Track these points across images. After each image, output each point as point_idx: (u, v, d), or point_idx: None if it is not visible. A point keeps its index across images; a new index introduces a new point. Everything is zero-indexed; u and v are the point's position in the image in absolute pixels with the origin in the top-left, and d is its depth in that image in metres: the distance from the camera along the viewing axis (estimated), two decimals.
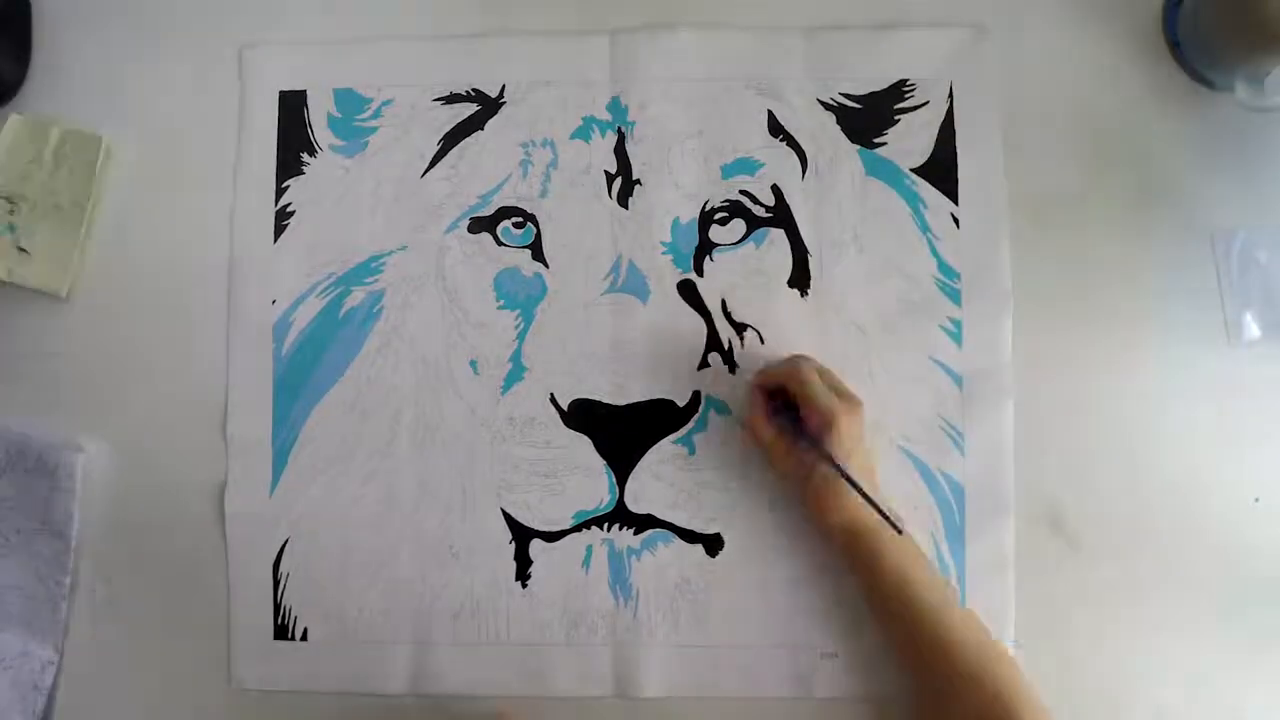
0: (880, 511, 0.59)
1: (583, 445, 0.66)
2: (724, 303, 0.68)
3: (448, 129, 0.69)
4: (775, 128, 0.69)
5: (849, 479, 0.58)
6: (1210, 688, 0.65)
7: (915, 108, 0.69)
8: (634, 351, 0.67)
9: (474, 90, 0.70)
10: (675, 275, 0.68)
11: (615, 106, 0.69)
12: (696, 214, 0.68)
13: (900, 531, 0.59)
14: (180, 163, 0.70)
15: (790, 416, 0.61)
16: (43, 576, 0.67)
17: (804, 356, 0.62)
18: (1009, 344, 0.67)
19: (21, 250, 0.68)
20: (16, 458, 0.67)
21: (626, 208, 0.68)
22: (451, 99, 0.70)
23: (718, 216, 0.68)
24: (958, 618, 0.59)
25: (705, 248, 0.68)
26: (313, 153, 0.70)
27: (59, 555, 0.67)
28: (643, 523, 0.66)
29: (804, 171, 0.68)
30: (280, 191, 0.70)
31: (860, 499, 0.59)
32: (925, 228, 0.68)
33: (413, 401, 0.68)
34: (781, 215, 0.68)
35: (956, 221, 0.68)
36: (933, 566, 0.61)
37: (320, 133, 0.70)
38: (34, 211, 0.69)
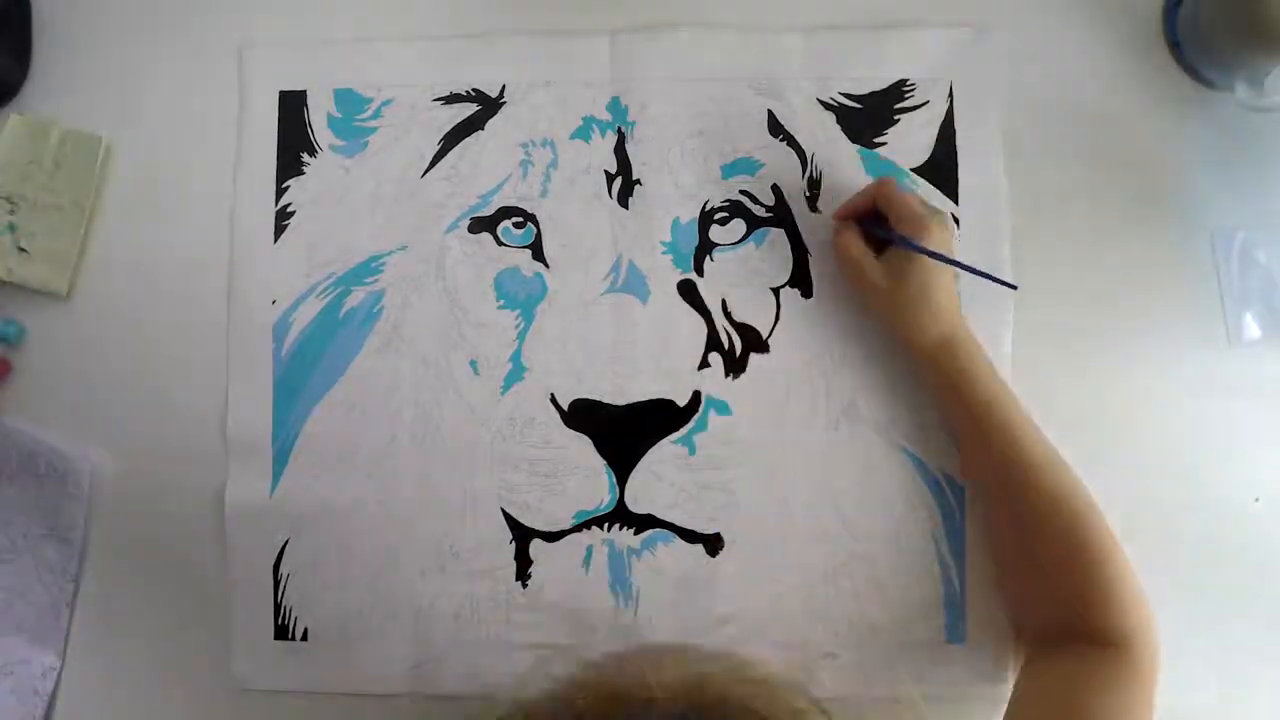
0: (989, 276, 0.60)
1: (583, 445, 0.66)
2: (724, 303, 0.68)
3: (448, 129, 0.69)
4: (775, 128, 0.69)
5: (952, 261, 0.59)
6: (1210, 687, 0.65)
7: (915, 108, 0.69)
8: (634, 351, 0.67)
9: (474, 90, 0.70)
10: (675, 275, 0.68)
11: (615, 106, 0.69)
12: (696, 214, 0.68)
13: (1015, 287, 0.61)
14: (180, 163, 0.70)
15: (881, 234, 0.62)
16: (47, 583, 0.67)
17: (887, 177, 0.63)
18: (1009, 344, 0.67)
19: (22, 250, 0.68)
20: (28, 462, 0.67)
21: (626, 208, 0.68)
22: (451, 99, 0.70)
23: (718, 216, 0.68)
24: (1043, 442, 0.60)
25: (705, 248, 0.68)
26: (313, 153, 0.70)
27: (65, 561, 0.67)
28: (643, 523, 0.66)
29: (804, 171, 0.69)
30: (280, 191, 0.70)
31: (958, 301, 0.61)
32: None
33: (413, 401, 0.68)
34: (782, 215, 0.68)
35: (957, 221, 0.68)
36: (1013, 393, 0.62)
37: (320, 133, 0.70)
38: (34, 211, 0.69)
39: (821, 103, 0.69)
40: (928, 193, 0.68)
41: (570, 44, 0.70)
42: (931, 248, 0.59)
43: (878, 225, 0.62)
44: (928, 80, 0.69)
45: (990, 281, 0.61)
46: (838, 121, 0.69)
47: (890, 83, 0.69)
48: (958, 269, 0.60)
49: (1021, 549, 0.61)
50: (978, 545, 0.66)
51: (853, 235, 0.63)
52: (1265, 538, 0.66)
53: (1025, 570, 0.61)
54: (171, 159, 0.71)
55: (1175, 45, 0.69)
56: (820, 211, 0.68)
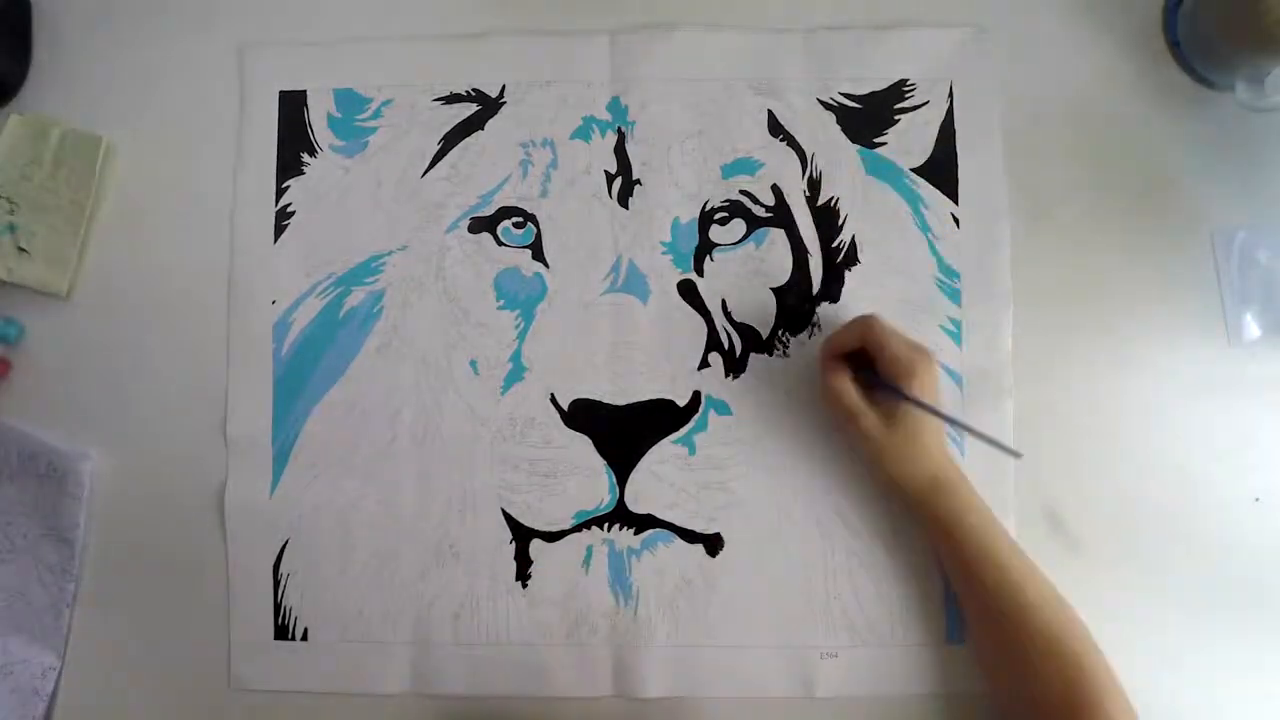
0: (988, 439, 0.59)
1: (583, 445, 0.66)
2: (724, 303, 0.68)
3: (448, 129, 0.69)
4: (775, 128, 0.69)
5: (946, 417, 0.59)
6: (1210, 687, 0.65)
7: (915, 108, 0.69)
8: (634, 351, 0.67)
9: (474, 90, 0.70)
10: (675, 275, 0.68)
11: (615, 106, 0.69)
12: (696, 214, 0.68)
13: (1018, 456, 0.59)
14: (180, 163, 0.70)
15: (866, 375, 0.61)
16: (46, 583, 0.67)
17: (872, 315, 0.61)
18: (1009, 344, 0.67)
19: (22, 250, 0.68)
20: (28, 462, 0.67)
21: (626, 208, 0.68)
22: (451, 99, 0.70)
23: (718, 216, 0.68)
24: (1039, 580, 0.59)
25: (705, 248, 0.68)
26: (313, 153, 0.70)
27: (64, 561, 0.67)
28: (643, 523, 0.66)
29: (804, 171, 0.69)
30: (280, 191, 0.70)
31: (946, 442, 0.60)
32: (925, 228, 0.68)
33: (413, 401, 0.68)
34: (781, 215, 0.68)
35: (956, 221, 0.68)
36: (1006, 532, 0.61)
37: (320, 133, 0.70)
38: (34, 212, 0.69)
39: (821, 103, 0.69)
40: (928, 193, 0.68)
41: (570, 44, 0.70)
42: (918, 389, 0.59)
43: (866, 367, 0.61)
44: (928, 80, 0.69)
45: (992, 445, 0.59)
46: (838, 121, 0.69)
47: (890, 83, 0.69)
48: (958, 428, 0.60)
49: (1017, 685, 0.60)
50: None
51: (844, 380, 0.61)
52: (1265, 538, 0.66)
53: (1022, 703, 0.59)
54: (171, 159, 0.71)
55: (1175, 45, 0.69)
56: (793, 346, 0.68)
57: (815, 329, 0.68)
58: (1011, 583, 0.59)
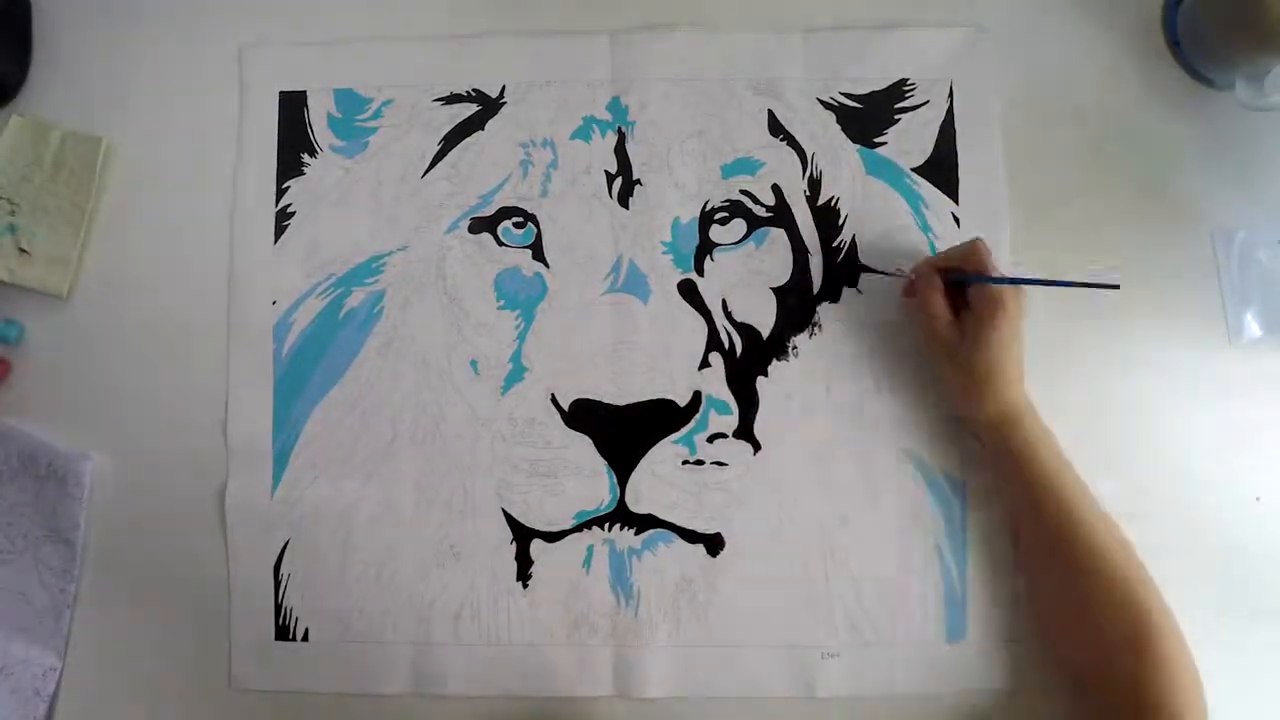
0: (1086, 283, 0.60)
1: (583, 445, 0.66)
2: (724, 303, 0.68)
3: (448, 129, 0.69)
4: (775, 127, 0.69)
5: (1036, 281, 0.60)
6: (1210, 687, 0.65)
7: (915, 107, 0.69)
8: (634, 351, 0.67)
9: (474, 90, 0.70)
10: (675, 275, 0.68)
11: (615, 106, 0.69)
12: (697, 214, 0.68)
13: (1117, 287, 0.59)
14: (180, 163, 0.70)
15: (966, 279, 0.62)
16: (47, 584, 0.67)
17: (979, 239, 0.62)
18: None
19: (23, 251, 0.68)
20: (28, 463, 0.67)
21: (627, 208, 0.68)
22: (451, 99, 0.70)
23: (718, 216, 0.68)
24: (1106, 520, 0.59)
25: (705, 247, 0.68)
26: (313, 153, 0.70)
27: (64, 562, 0.67)
28: (643, 523, 0.66)
29: (804, 171, 0.69)
30: (280, 192, 0.70)
31: (1024, 375, 0.61)
32: (925, 228, 0.68)
33: (413, 402, 0.68)
34: (782, 215, 0.68)
35: (957, 221, 0.68)
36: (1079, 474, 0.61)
37: (320, 133, 0.70)
38: (34, 213, 0.69)
39: (821, 103, 0.69)
40: (928, 193, 0.68)
41: (570, 44, 0.70)
42: (1006, 318, 0.59)
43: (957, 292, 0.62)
44: (928, 80, 0.69)
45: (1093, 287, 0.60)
46: (838, 121, 0.69)
47: (890, 83, 0.69)
48: (1056, 285, 0.61)
49: (1078, 630, 0.60)
50: (978, 545, 0.66)
51: (937, 291, 0.62)
52: (1266, 538, 0.66)
53: (1083, 648, 0.59)
54: (171, 159, 0.71)
55: (1175, 45, 0.69)
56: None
57: (816, 329, 0.67)
58: (1084, 522, 0.58)
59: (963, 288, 0.62)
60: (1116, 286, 0.59)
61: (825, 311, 0.68)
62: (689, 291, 0.67)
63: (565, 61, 0.70)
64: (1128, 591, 0.57)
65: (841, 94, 0.69)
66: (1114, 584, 0.57)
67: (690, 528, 0.66)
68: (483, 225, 0.69)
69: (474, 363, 0.68)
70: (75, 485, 0.67)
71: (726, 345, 0.67)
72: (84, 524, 0.67)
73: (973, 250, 0.61)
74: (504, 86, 0.70)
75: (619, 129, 0.69)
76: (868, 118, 0.69)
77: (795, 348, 0.67)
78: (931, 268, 0.63)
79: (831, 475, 0.66)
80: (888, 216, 0.68)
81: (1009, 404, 0.61)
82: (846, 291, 0.68)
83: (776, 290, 0.68)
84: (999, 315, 0.59)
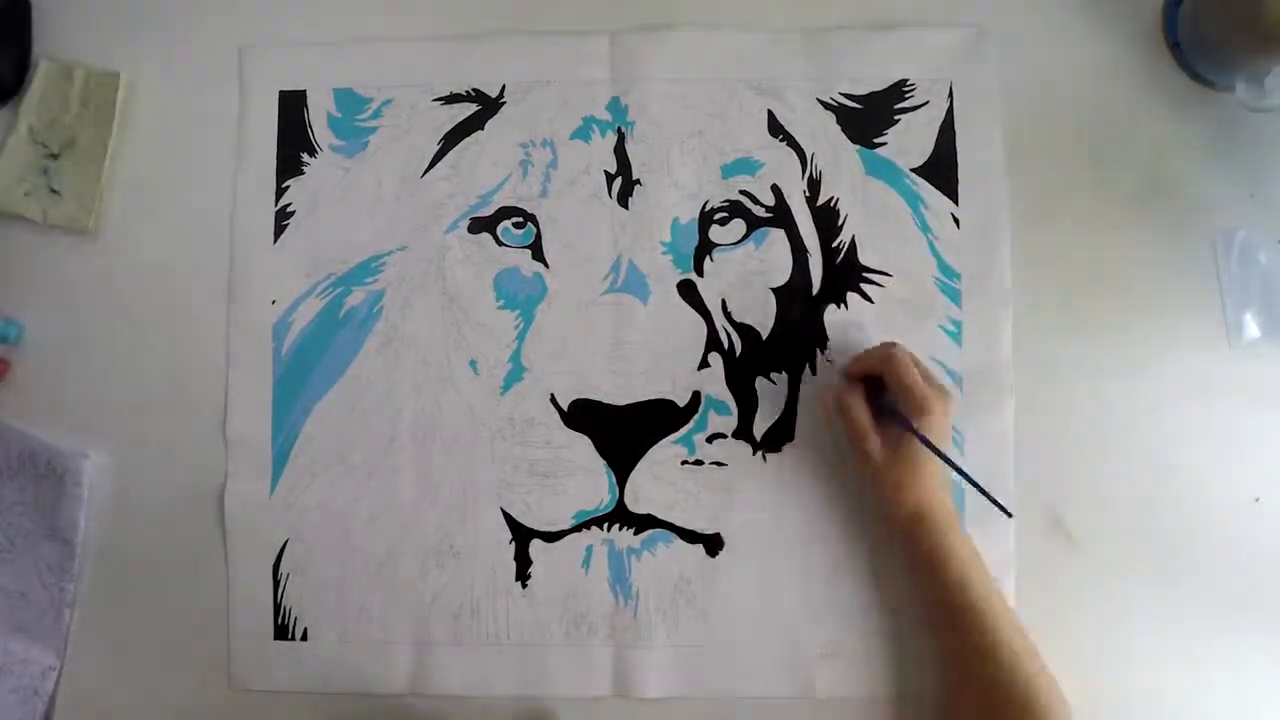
0: (985, 492, 0.59)
1: (583, 445, 0.66)
2: (724, 303, 0.67)
3: (448, 129, 0.69)
4: (775, 128, 0.69)
5: (948, 460, 0.59)
6: (1210, 687, 0.65)
7: (915, 108, 0.69)
8: (634, 351, 0.67)
9: (474, 90, 0.70)
10: (675, 275, 0.68)
11: (615, 106, 0.69)
12: (696, 214, 0.68)
13: (1010, 515, 0.60)
14: (180, 163, 0.70)
15: (880, 401, 0.62)
16: (46, 583, 0.67)
17: (897, 343, 0.62)
18: (1009, 344, 0.67)
19: (54, 192, 0.69)
20: (27, 461, 0.67)
21: (626, 208, 0.68)
22: (451, 99, 0.70)
23: (718, 216, 0.68)
24: (1012, 629, 0.59)
25: (705, 248, 0.68)
26: (313, 153, 0.70)
27: (64, 561, 0.67)
28: (643, 523, 0.66)
29: (804, 171, 0.69)
30: (280, 191, 0.70)
31: (947, 485, 0.61)
32: (925, 228, 0.68)
33: (412, 402, 0.68)
34: (781, 215, 0.68)
35: (956, 221, 0.68)
36: (989, 572, 0.61)
37: (320, 133, 0.70)
38: (64, 152, 0.69)
39: (821, 103, 0.69)
40: (928, 193, 0.68)
41: (570, 44, 0.70)
42: (928, 427, 0.59)
43: (883, 396, 0.62)
44: (928, 80, 0.69)
45: (988, 499, 0.60)
46: (838, 121, 0.69)
47: (890, 83, 0.69)
48: (959, 477, 0.60)
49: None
50: (978, 545, 0.65)
51: (857, 399, 0.62)
52: (1265, 538, 0.66)
53: None
54: (171, 159, 0.70)
55: (1175, 45, 0.69)
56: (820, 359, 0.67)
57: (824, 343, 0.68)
58: (988, 628, 0.58)
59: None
60: (1010, 515, 0.61)
61: (832, 318, 0.67)
62: (688, 292, 0.67)
63: (565, 61, 0.70)
64: (1027, 699, 0.56)
65: (841, 94, 0.69)
66: (1010, 689, 0.57)
67: (689, 528, 0.66)
68: (482, 225, 0.69)
69: (473, 363, 0.68)
70: (74, 484, 0.67)
71: (726, 345, 0.67)
72: (83, 523, 0.67)
73: (887, 358, 0.61)
74: (504, 86, 0.70)
75: (619, 129, 0.69)
76: (868, 118, 0.69)
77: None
78: (851, 379, 0.63)
79: (831, 475, 0.66)
80: (887, 217, 0.68)
81: (920, 504, 0.60)
82: (850, 296, 0.68)
83: (776, 290, 0.68)
84: (924, 422, 0.59)
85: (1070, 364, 0.67)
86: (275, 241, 0.69)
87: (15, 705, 0.65)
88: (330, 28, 0.71)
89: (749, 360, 0.67)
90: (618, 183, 0.68)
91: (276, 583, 0.67)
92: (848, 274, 0.68)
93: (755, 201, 0.68)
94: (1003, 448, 0.66)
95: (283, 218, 0.69)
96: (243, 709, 0.67)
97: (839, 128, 0.69)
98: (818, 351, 0.67)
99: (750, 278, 0.68)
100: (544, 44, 0.70)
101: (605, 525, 0.66)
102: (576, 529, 0.66)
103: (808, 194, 0.68)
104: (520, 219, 0.69)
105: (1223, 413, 0.67)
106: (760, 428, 0.67)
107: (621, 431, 0.66)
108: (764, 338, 0.67)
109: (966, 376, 0.67)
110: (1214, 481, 0.67)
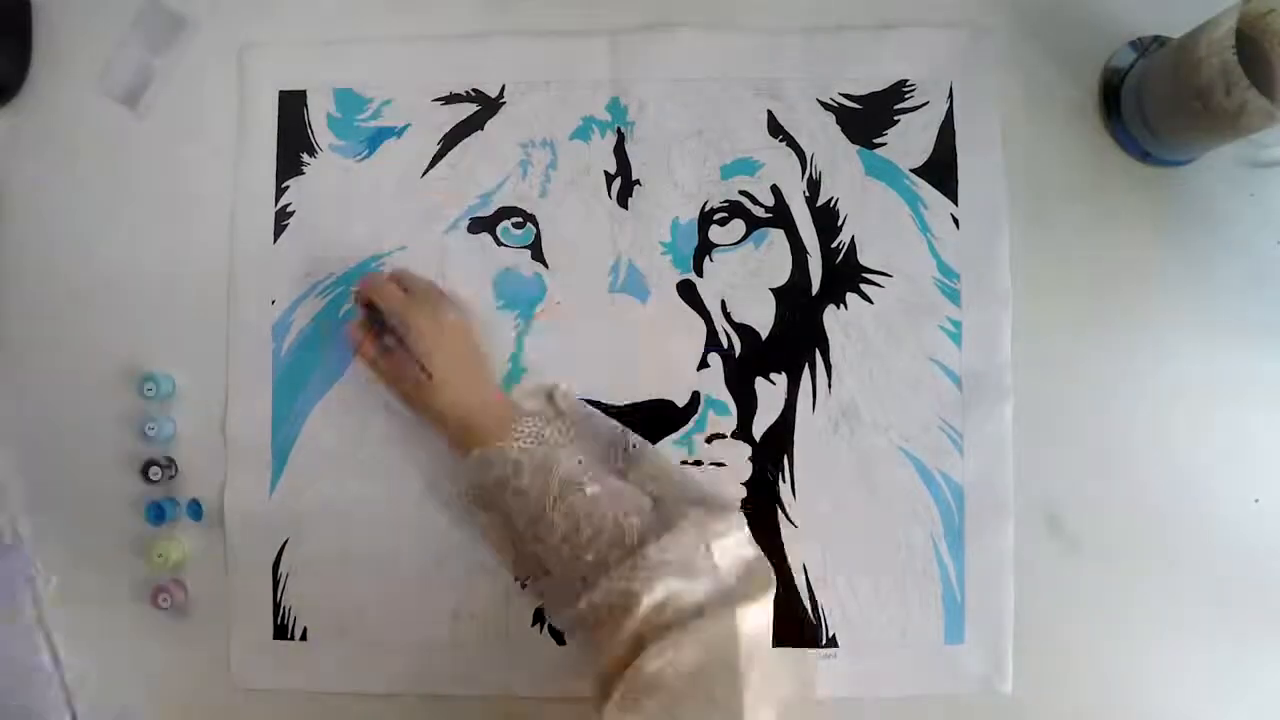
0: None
1: None
2: (724, 303, 0.67)
3: (448, 129, 0.69)
4: (775, 128, 0.69)
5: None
6: (1210, 688, 0.65)
7: (915, 108, 0.69)
8: (634, 351, 0.67)
9: (474, 90, 0.70)
10: (675, 275, 0.68)
11: (615, 106, 0.69)
12: (696, 214, 0.68)
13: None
14: (180, 163, 0.70)
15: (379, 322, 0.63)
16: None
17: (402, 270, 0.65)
18: (1009, 344, 0.67)
19: None
20: None
21: (626, 208, 0.68)
22: (451, 99, 0.70)
23: (717, 217, 0.68)
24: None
25: (705, 248, 0.68)
26: (313, 153, 0.70)
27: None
28: None
29: (804, 172, 0.68)
30: (280, 191, 0.70)
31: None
32: (925, 228, 0.68)
33: None
34: (781, 216, 0.68)
35: (956, 222, 0.68)
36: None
37: (320, 133, 0.70)
38: None
39: (821, 103, 0.69)
40: (927, 194, 0.68)
41: (570, 44, 0.70)
42: (417, 336, 0.61)
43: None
44: (928, 80, 0.69)
45: None
46: (838, 121, 0.69)
47: (890, 83, 0.69)
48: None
49: None
50: (976, 546, 0.66)
51: (357, 330, 0.64)
52: (1265, 538, 0.66)
53: None
54: (172, 159, 0.70)
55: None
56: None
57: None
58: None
59: None
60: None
61: (830, 319, 0.67)
62: (688, 292, 0.67)
63: (565, 61, 0.70)
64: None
65: (841, 95, 0.69)
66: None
67: None
68: (482, 225, 0.69)
69: None
70: None
71: (725, 346, 0.67)
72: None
73: (367, 283, 0.63)
74: (504, 86, 0.70)
75: (618, 129, 0.69)
76: (867, 118, 0.69)
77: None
78: (356, 303, 0.65)
79: (830, 477, 0.66)
80: (887, 217, 0.68)
81: (447, 412, 0.61)
82: (850, 297, 0.68)
83: (775, 291, 0.68)
84: (409, 337, 0.61)
85: (1069, 364, 0.67)
86: (275, 241, 0.69)
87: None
88: (330, 28, 0.71)
89: (748, 360, 0.67)
90: (617, 183, 0.68)
91: (276, 582, 0.67)
92: (847, 274, 0.68)
93: (755, 202, 0.68)
94: (1002, 448, 0.66)
95: (283, 218, 0.69)
96: (243, 709, 0.67)
97: (839, 128, 0.69)
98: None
99: (750, 278, 0.68)
100: (544, 44, 0.70)
101: None
102: None
103: (807, 194, 0.68)
104: (520, 219, 0.69)
105: (1223, 413, 0.67)
106: (760, 428, 0.67)
107: None
108: (764, 338, 0.67)
109: (966, 377, 0.67)
110: (1214, 482, 0.67)
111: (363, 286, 0.63)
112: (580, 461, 0.60)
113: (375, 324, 0.64)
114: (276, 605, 0.67)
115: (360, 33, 0.71)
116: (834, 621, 0.66)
